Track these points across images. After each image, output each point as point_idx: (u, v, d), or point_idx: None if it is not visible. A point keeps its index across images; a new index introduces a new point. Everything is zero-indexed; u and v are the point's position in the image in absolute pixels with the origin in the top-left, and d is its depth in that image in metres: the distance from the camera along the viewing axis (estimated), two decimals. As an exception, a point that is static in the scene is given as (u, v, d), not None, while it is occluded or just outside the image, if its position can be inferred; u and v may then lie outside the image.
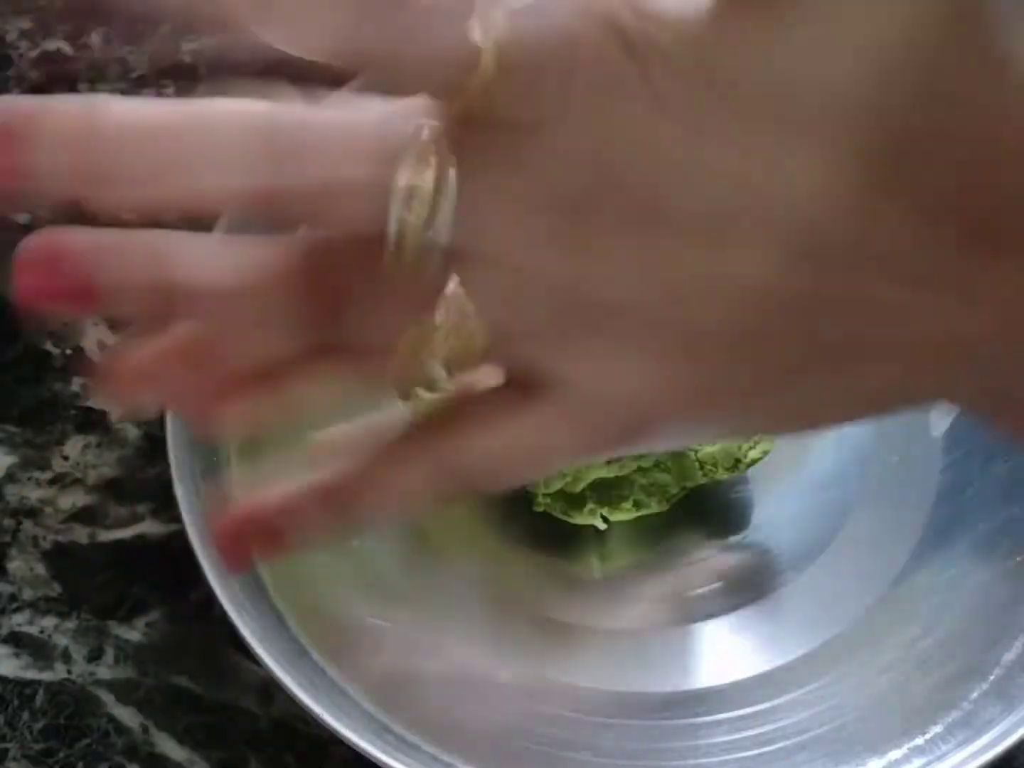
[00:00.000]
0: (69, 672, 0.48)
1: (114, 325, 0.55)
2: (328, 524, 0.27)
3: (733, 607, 0.47)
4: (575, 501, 0.46)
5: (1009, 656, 0.43)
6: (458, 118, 0.22)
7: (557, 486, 0.46)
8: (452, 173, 0.22)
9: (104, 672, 0.47)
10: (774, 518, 0.49)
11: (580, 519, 0.46)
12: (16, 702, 0.47)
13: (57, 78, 0.62)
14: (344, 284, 0.24)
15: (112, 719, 0.47)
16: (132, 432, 0.52)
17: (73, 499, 0.51)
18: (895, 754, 0.42)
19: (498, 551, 0.47)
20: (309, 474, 0.27)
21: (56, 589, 0.49)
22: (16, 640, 0.48)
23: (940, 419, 0.49)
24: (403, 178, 0.22)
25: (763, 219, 0.21)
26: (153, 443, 0.52)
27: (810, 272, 0.22)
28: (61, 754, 0.46)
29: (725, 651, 0.46)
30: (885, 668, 0.44)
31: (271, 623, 0.45)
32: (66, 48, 0.63)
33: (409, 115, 0.23)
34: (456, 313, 0.23)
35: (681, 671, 0.45)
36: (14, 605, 0.49)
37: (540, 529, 0.47)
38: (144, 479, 0.51)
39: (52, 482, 0.51)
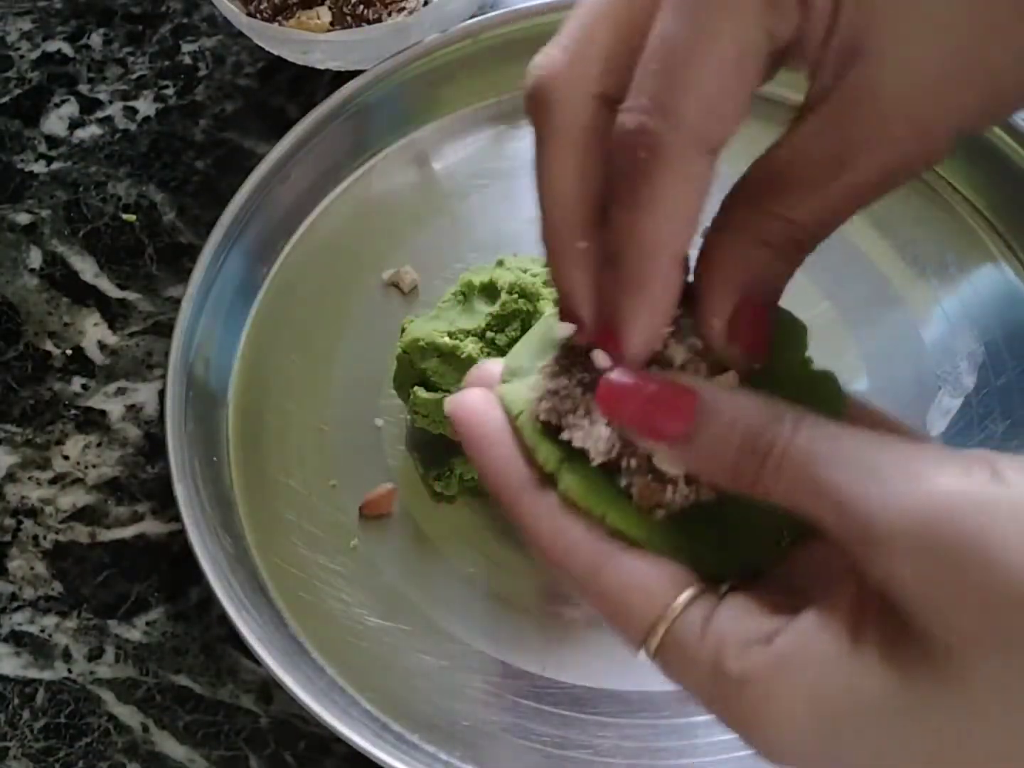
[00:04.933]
0: (69, 671, 0.48)
1: (114, 325, 0.55)
2: None
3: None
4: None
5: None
6: None
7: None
8: None
9: (104, 671, 0.48)
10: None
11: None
12: (17, 701, 0.47)
13: (57, 78, 0.62)
14: None
15: (112, 718, 0.47)
16: (132, 432, 0.52)
17: (73, 499, 0.51)
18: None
19: (498, 551, 0.47)
20: None
21: (56, 588, 0.49)
22: (17, 639, 0.48)
23: (939, 420, 0.49)
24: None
25: None
26: (153, 443, 0.52)
27: None
28: (61, 752, 0.46)
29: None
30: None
31: (271, 623, 0.46)
32: (66, 48, 0.63)
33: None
34: None
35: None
36: (15, 604, 0.49)
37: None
38: (144, 479, 0.51)
39: (52, 482, 0.52)
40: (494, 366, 0.31)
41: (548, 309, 0.35)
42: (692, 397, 0.26)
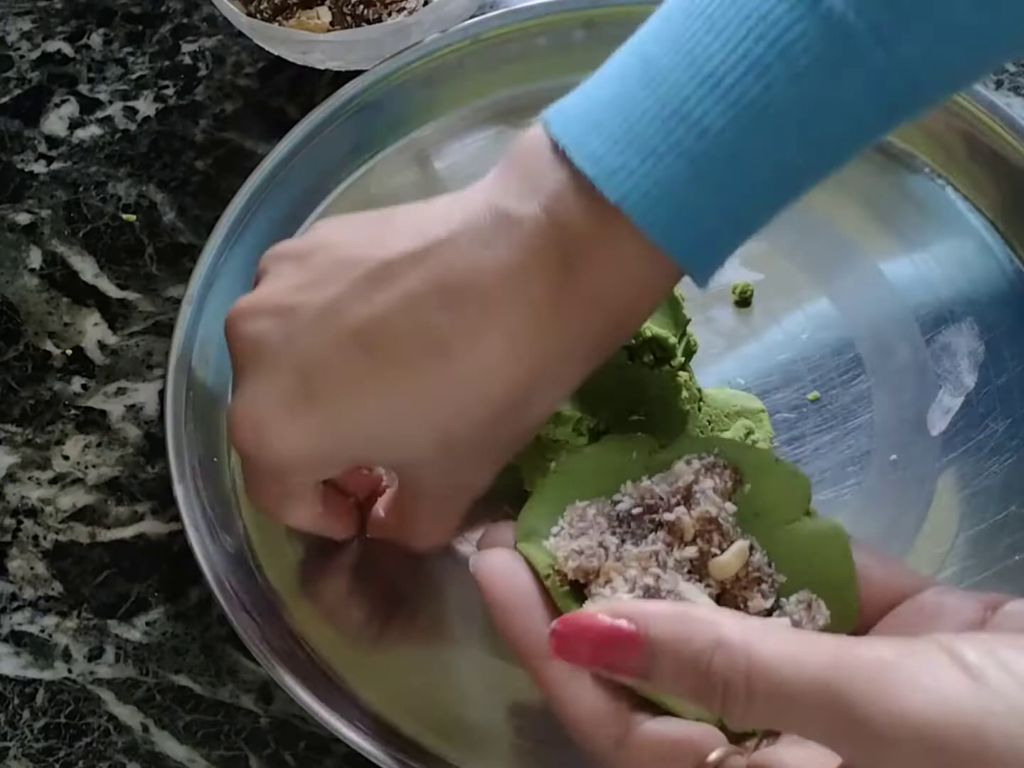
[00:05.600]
0: (69, 671, 0.48)
1: (114, 325, 0.55)
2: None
3: (732, 606, 0.47)
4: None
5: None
6: None
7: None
8: None
9: (104, 671, 0.48)
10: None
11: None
12: (17, 701, 0.47)
13: (57, 78, 0.62)
14: None
15: (112, 718, 0.47)
16: (132, 432, 0.52)
17: (73, 499, 0.51)
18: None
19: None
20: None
21: (57, 588, 0.49)
22: (17, 639, 0.48)
23: (939, 419, 0.49)
24: None
25: None
26: (153, 443, 0.52)
27: None
28: (61, 752, 0.46)
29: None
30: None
31: (271, 623, 0.45)
32: (66, 49, 0.63)
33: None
34: None
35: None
36: (15, 604, 0.49)
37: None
38: (144, 479, 0.51)
39: (52, 482, 0.52)
40: (508, 527, 0.32)
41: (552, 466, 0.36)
42: (635, 636, 0.25)
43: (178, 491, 0.46)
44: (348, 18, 0.57)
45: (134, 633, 0.48)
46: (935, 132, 0.53)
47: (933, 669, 0.22)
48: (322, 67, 0.58)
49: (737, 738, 0.27)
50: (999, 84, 0.58)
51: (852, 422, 0.49)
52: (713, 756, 0.26)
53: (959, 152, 0.53)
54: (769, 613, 0.30)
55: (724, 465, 0.31)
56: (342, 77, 0.56)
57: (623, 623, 0.26)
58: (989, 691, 0.22)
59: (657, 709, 0.28)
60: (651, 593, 0.28)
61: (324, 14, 0.57)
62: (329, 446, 0.35)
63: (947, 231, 0.53)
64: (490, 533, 0.32)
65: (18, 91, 0.62)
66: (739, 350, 0.50)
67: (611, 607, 0.26)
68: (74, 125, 0.60)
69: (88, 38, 0.63)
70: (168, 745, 0.46)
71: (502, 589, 0.30)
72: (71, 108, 0.61)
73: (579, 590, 0.29)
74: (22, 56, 0.63)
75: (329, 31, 0.56)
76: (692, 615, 0.25)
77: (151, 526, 0.50)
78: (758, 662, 0.24)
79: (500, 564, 0.30)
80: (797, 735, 0.24)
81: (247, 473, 0.40)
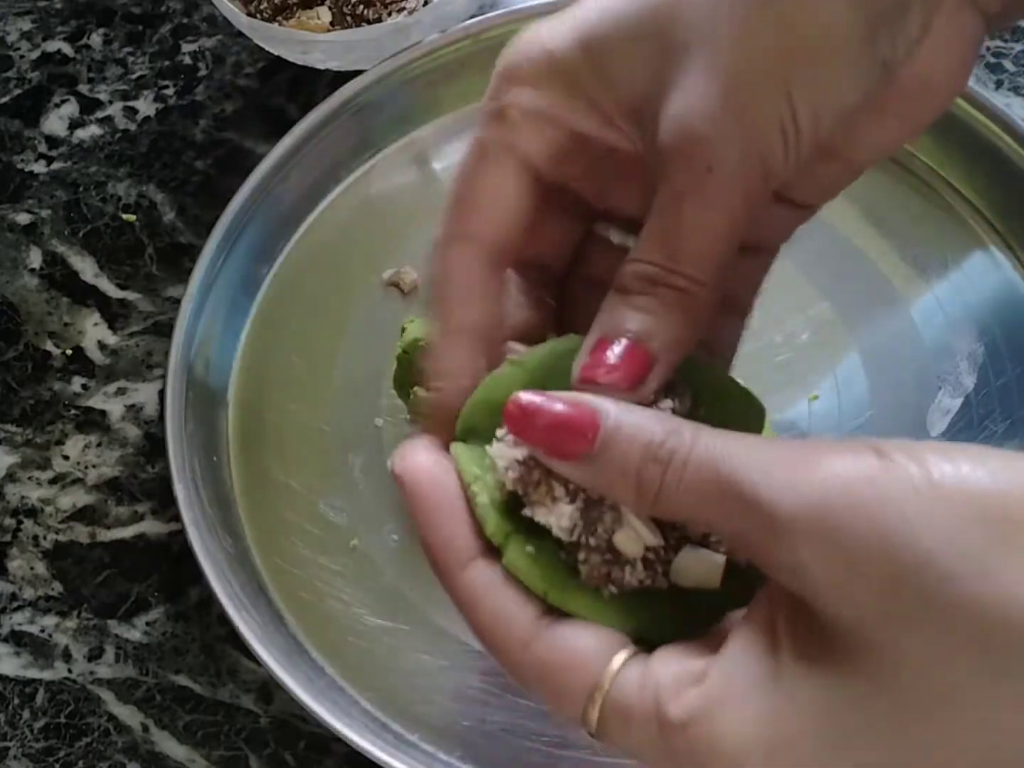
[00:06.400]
0: (69, 671, 0.48)
1: (114, 325, 0.55)
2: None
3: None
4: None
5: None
6: None
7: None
8: None
9: (104, 671, 0.48)
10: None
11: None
12: (17, 701, 0.47)
13: (57, 78, 0.62)
14: None
15: (112, 718, 0.47)
16: (132, 432, 0.53)
17: (73, 499, 0.51)
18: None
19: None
20: None
21: (56, 588, 0.49)
22: (17, 639, 0.48)
23: (939, 420, 0.49)
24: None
25: None
26: (153, 443, 0.52)
27: None
28: (61, 752, 0.46)
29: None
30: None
31: (271, 623, 0.46)
32: (66, 49, 0.63)
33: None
34: None
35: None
36: (15, 604, 0.49)
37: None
38: (144, 479, 0.51)
39: (52, 482, 0.52)
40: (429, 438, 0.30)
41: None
42: (595, 415, 0.26)
43: (178, 491, 0.46)
44: (348, 18, 0.57)
45: (134, 633, 0.48)
46: (934, 132, 0.53)
47: (849, 450, 0.24)
48: (322, 67, 0.58)
49: (644, 648, 0.27)
50: (999, 84, 0.58)
51: (852, 422, 0.49)
52: (618, 659, 0.26)
53: (959, 152, 0.53)
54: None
55: (685, 385, 0.31)
56: (342, 77, 0.56)
57: (585, 406, 0.26)
58: (893, 474, 0.23)
59: (566, 617, 0.27)
60: (593, 506, 0.28)
61: (324, 14, 0.57)
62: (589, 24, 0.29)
63: (946, 232, 0.53)
64: (414, 438, 0.30)
65: (18, 91, 0.62)
66: (739, 350, 0.50)
67: (572, 395, 0.27)
68: (74, 125, 0.60)
69: (88, 38, 0.63)
70: (168, 745, 0.46)
71: (426, 492, 0.28)
72: (71, 108, 0.61)
73: (516, 500, 0.28)
74: (22, 56, 0.63)
75: (329, 31, 0.56)
76: (648, 410, 0.27)
77: (151, 526, 0.50)
78: (706, 437, 0.25)
79: (426, 465, 0.28)
80: (714, 524, 0.25)
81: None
